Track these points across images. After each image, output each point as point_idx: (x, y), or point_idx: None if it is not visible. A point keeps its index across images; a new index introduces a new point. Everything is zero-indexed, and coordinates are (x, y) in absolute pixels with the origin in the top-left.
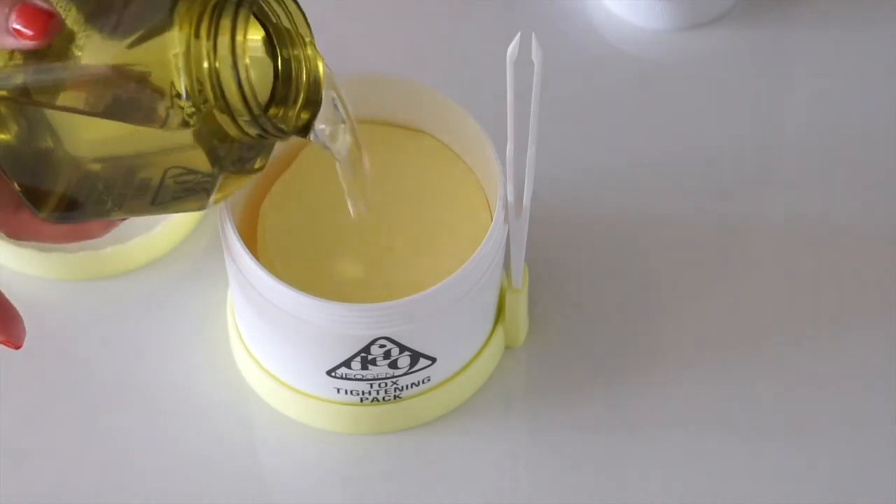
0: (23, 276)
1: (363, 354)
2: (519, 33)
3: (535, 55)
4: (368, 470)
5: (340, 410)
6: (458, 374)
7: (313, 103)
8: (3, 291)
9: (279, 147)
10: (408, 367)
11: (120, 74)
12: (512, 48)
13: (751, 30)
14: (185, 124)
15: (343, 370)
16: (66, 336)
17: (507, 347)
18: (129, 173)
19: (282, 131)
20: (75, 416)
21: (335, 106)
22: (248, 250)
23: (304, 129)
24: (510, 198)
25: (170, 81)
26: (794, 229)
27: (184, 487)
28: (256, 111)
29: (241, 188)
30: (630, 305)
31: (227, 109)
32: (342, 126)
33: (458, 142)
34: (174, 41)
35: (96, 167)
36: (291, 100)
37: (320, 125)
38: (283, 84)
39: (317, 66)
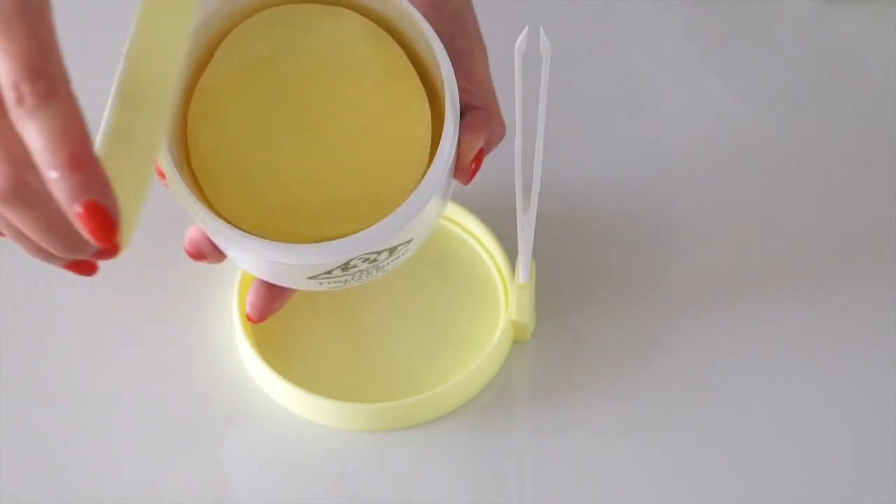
0: None
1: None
2: (527, 26)
3: (543, 47)
4: (368, 469)
5: (341, 408)
6: (459, 374)
7: None
8: None
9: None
10: (387, 258)
11: None
12: (520, 41)
13: None
14: None
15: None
16: (66, 335)
17: (514, 342)
18: None
19: None
20: (75, 416)
21: None
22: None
23: None
24: (518, 193)
25: None
26: (798, 229)
27: (184, 484)
28: None
29: None
30: (638, 301)
31: None
32: None
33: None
34: None
35: None
36: None
37: None
38: None
39: None
